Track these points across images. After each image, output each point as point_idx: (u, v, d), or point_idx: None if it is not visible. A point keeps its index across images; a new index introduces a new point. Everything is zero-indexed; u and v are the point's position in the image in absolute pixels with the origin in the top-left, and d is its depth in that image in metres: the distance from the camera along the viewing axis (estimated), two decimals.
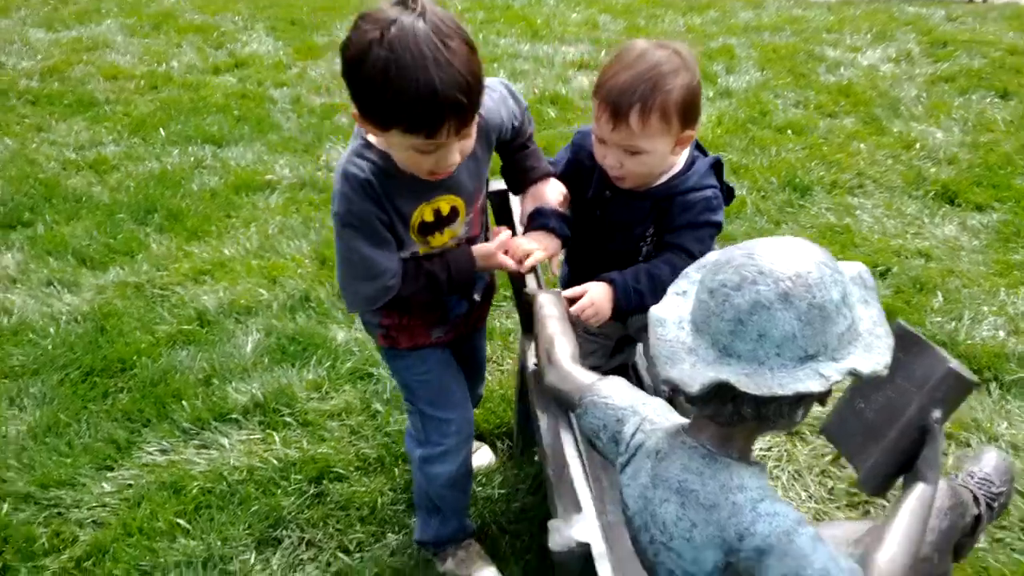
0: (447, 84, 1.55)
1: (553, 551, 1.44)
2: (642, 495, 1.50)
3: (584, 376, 1.67)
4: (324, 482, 2.61)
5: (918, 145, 4.82)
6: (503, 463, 2.70)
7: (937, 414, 1.56)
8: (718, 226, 2.05)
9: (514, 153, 2.07)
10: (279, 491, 2.58)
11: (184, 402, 2.90)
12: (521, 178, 2.08)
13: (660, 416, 1.56)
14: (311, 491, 2.59)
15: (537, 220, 2.02)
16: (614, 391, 1.62)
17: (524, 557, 2.38)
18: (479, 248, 1.98)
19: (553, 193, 2.06)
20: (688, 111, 1.91)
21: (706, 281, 1.38)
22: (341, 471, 2.64)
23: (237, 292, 3.48)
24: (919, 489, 1.55)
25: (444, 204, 1.87)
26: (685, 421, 1.52)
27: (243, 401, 2.91)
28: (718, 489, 1.40)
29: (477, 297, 2.13)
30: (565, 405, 1.69)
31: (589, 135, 2.07)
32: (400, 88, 1.54)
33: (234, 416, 2.86)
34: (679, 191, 2.03)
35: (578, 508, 1.50)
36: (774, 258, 1.31)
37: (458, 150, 1.71)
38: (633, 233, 2.09)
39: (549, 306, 1.84)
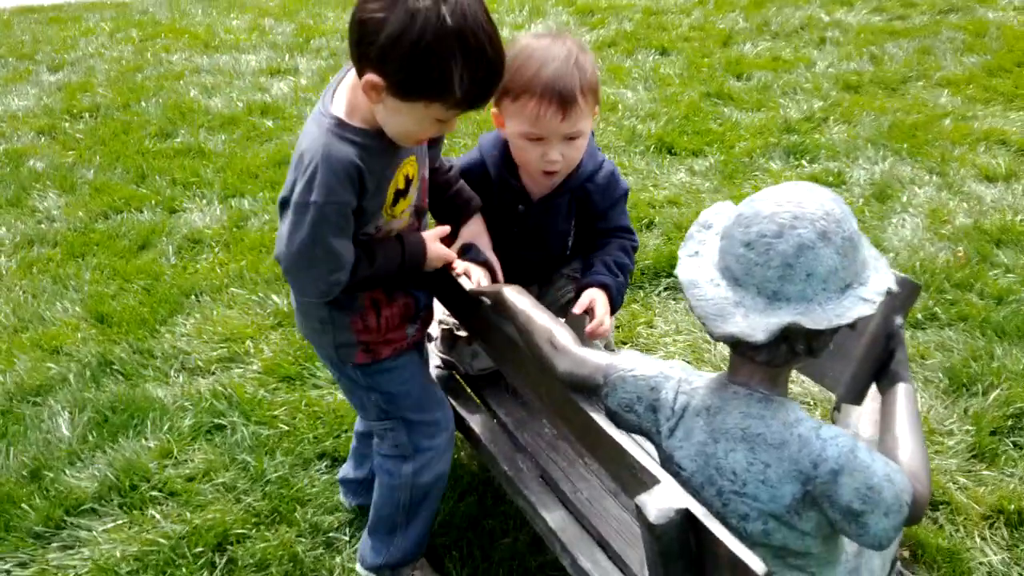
0: (499, 60, 1.62)
1: (655, 524, 1.46)
2: (700, 452, 1.57)
3: (598, 356, 1.70)
4: (229, 547, 2.41)
5: (620, 106, 5.23)
6: None
7: (899, 320, 1.77)
8: (627, 191, 2.16)
9: (446, 184, 2.06)
10: (184, 569, 2.34)
11: (23, 505, 2.52)
12: (456, 212, 2.07)
13: (692, 374, 1.63)
14: (220, 560, 2.37)
15: (470, 253, 2.01)
16: (636, 362, 1.66)
17: (468, 566, 2.35)
18: (436, 249, 1.95)
19: (485, 237, 2.07)
20: (599, 87, 1.99)
21: (736, 236, 1.47)
22: (241, 531, 2.45)
23: (19, 374, 3.06)
24: (903, 388, 1.75)
25: (410, 168, 1.83)
26: (719, 374, 1.61)
27: (91, 487, 2.58)
28: (782, 427, 1.51)
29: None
30: (586, 389, 1.71)
31: (493, 149, 2.07)
32: (463, 62, 1.55)
33: (88, 505, 2.54)
34: (588, 175, 2.10)
35: (654, 479, 1.53)
36: (800, 201, 1.43)
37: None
38: (559, 234, 2.13)
39: (520, 297, 1.83)
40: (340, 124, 1.70)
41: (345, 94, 1.74)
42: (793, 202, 1.43)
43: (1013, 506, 2.36)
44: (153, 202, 4.27)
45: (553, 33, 2.00)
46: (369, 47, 1.57)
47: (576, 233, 2.17)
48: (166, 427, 2.82)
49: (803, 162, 4.45)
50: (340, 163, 1.67)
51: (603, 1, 7.65)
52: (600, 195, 2.11)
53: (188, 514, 2.51)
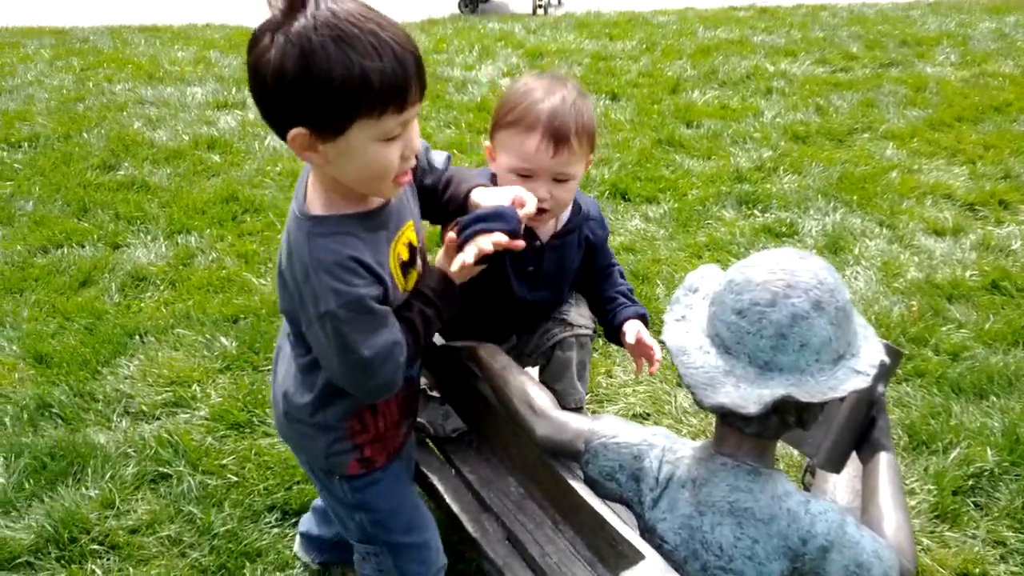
0: (401, 40, 1.40)
1: None
2: (685, 525, 1.53)
3: (578, 421, 1.66)
4: None
5: None
6: None
7: (881, 388, 1.76)
8: None
9: (435, 185, 1.86)
10: None
11: None
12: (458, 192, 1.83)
13: (676, 443, 1.59)
14: None
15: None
16: (618, 428, 1.62)
17: None
18: (442, 263, 1.73)
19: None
20: (595, 135, 1.98)
21: (728, 303, 1.44)
22: None
23: None
24: (885, 457, 1.73)
25: (409, 234, 1.68)
26: (705, 443, 1.57)
27: (27, 539, 2.44)
28: (770, 501, 1.47)
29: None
30: (565, 455, 1.66)
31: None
32: (362, 58, 1.35)
33: (24, 559, 2.40)
34: (583, 213, 2.11)
35: (636, 553, 1.48)
36: (794, 270, 1.41)
37: (418, 133, 1.54)
38: (571, 272, 2.13)
39: (497, 356, 1.78)
40: (315, 221, 1.54)
41: (314, 186, 1.58)
42: (787, 270, 1.41)
43: (978, 569, 2.35)
44: (95, 236, 4.13)
45: (556, 76, 2.00)
46: (270, 99, 1.41)
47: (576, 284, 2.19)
48: (108, 475, 2.69)
49: (755, 211, 4.48)
50: (336, 262, 1.50)
51: (552, 45, 7.71)
52: (599, 230, 2.14)
53: (130, 569, 2.38)
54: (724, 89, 6.48)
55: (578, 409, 2.21)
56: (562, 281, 2.15)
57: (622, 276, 2.23)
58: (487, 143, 2.02)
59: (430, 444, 2.37)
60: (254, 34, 1.41)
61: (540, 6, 9.92)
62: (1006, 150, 5.24)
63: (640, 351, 2.07)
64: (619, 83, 6.59)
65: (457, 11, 10.07)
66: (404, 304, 1.67)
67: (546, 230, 2.07)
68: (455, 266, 1.64)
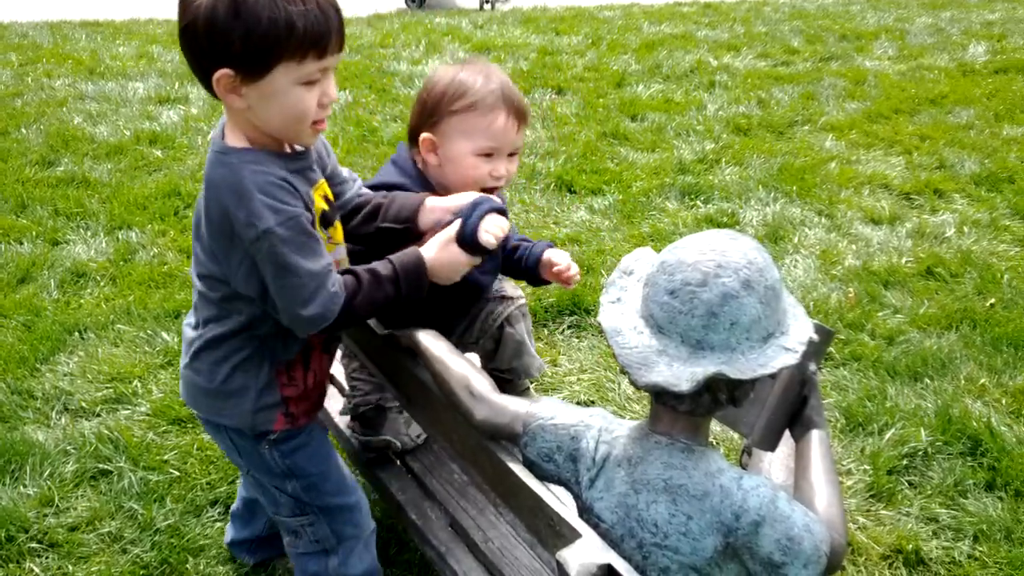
0: None
1: None
2: (621, 503, 1.55)
3: (517, 404, 1.67)
4: None
5: None
6: None
7: (813, 366, 1.80)
8: None
9: (375, 210, 1.89)
10: None
11: None
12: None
13: (613, 423, 1.61)
14: None
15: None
16: (556, 410, 1.64)
17: None
18: (426, 249, 1.75)
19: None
20: None
21: (660, 283, 1.46)
22: None
23: None
24: (817, 435, 1.76)
25: (326, 189, 1.73)
26: (640, 422, 1.59)
27: None
28: (703, 478, 1.50)
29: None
30: (504, 438, 1.67)
31: (412, 171, 2.03)
32: (288, 3, 1.46)
33: None
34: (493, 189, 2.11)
35: (574, 532, 1.50)
36: (724, 250, 1.44)
37: (335, 85, 1.62)
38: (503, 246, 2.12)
39: (436, 341, 1.79)
40: (245, 152, 1.59)
41: (232, 131, 1.62)
42: (717, 250, 1.44)
43: (911, 545, 2.41)
44: (34, 233, 4.06)
45: (478, 60, 2.04)
46: (200, 41, 1.49)
47: None
48: (47, 473, 2.65)
49: (698, 202, 4.53)
50: (270, 182, 1.55)
51: (499, 40, 7.73)
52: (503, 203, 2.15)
53: (70, 567, 2.35)
54: (668, 83, 6.54)
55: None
56: (500, 254, 2.16)
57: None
58: (425, 135, 2.00)
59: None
60: None
61: (487, 1, 9.93)
62: (941, 141, 5.36)
63: (562, 270, 2.05)
64: (565, 77, 6.63)
65: (404, 6, 10.04)
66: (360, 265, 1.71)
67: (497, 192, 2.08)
68: (489, 243, 1.73)
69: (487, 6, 9.91)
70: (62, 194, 4.46)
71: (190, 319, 1.84)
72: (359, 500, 2.00)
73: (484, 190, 1.97)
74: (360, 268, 1.69)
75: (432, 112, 1.99)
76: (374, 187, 2.01)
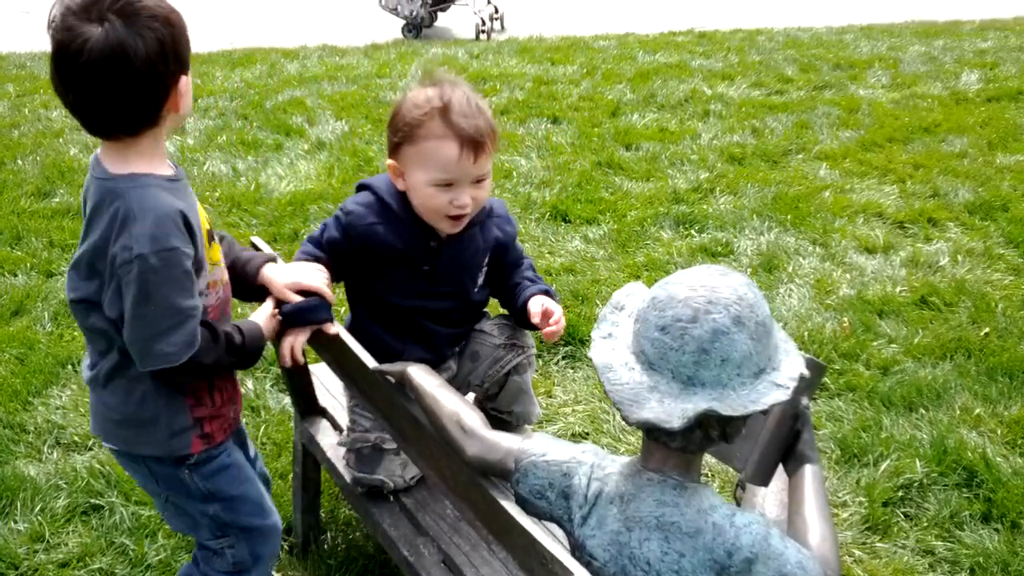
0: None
1: None
2: (614, 541, 1.54)
3: (508, 440, 1.66)
4: None
5: (515, 173, 5.27)
6: (290, 566, 2.51)
7: (805, 400, 1.79)
8: None
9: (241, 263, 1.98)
10: None
11: None
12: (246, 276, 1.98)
13: (605, 459, 1.61)
14: None
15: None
16: (548, 446, 1.63)
17: None
18: (264, 320, 1.91)
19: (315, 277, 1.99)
20: (497, 129, 2.00)
21: (651, 319, 1.46)
22: None
23: None
24: (810, 469, 1.76)
25: (202, 210, 1.79)
26: (632, 459, 1.59)
27: None
28: (696, 515, 1.49)
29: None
30: (496, 474, 1.66)
31: (391, 188, 2.02)
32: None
33: None
34: (488, 211, 2.11)
35: (567, 572, 1.49)
36: (714, 286, 1.44)
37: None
38: (472, 268, 2.11)
39: (427, 376, 1.78)
40: (136, 178, 1.63)
41: (111, 158, 1.66)
42: (707, 287, 1.44)
43: None
44: (28, 265, 4.06)
45: (441, 79, 1.98)
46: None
47: (488, 282, 2.19)
48: (38, 508, 2.63)
49: (692, 232, 4.54)
50: (162, 213, 1.60)
51: (495, 69, 7.77)
52: (506, 226, 2.15)
53: None
54: (663, 112, 6.57)
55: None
56: (466, 277, 2.13)
57: (532, 269, 2.22)
58: (390, 161, 2.00)
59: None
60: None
61: (483, 31, 9.98)
62: (935, 169, 5.38)
63: (543, 318, 2.07)
64: (560, 107, 6.66)
65: (400, 36, 10.09)
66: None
67: (465, 220, 2.04)
68: (285, 355, 1.94)
69: (483, 36, 9.96)
70: (57, 225, 4.46)
71: (85, 361, 1.87)
72: (277, 521, 2.05)
73: (451, 218, 1.98)
74: (217, 326, 1.75)
75: (393, 136, 1.98)
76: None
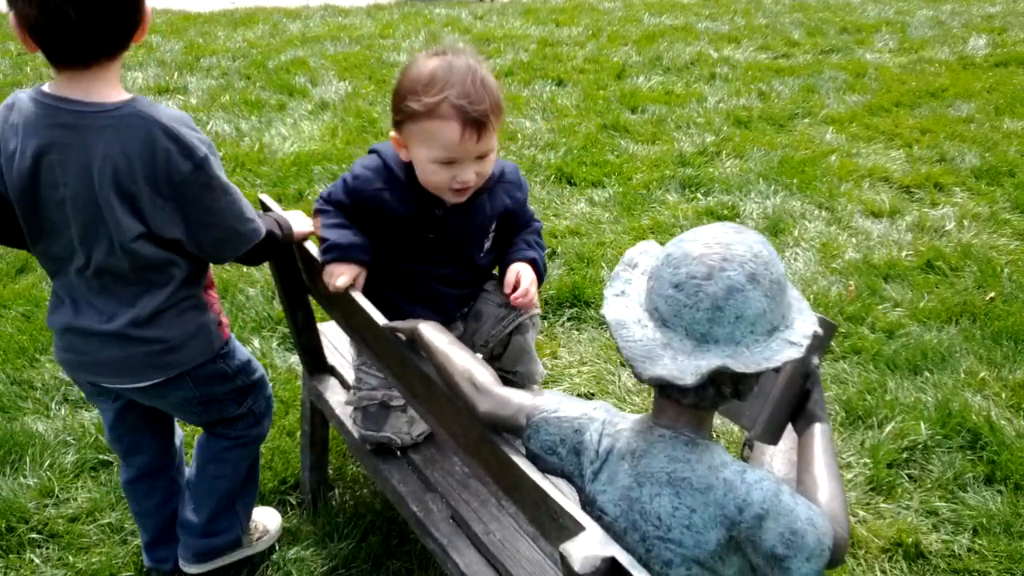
0: None
1: (580, 574, 1.43)
2: (625, 496, 1.55)
3: (520, 396, 1.67)
4: None
5: (519, 136, 5.24)
6: (299, 523, 2.53)
7: (816, 360, 1.80)
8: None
9: None
10: None
11: None
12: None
13: (616, 416, 1.61)
14: None
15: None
16: (560, 403, 1.64)
17: None
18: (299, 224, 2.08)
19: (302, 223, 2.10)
20: (502, 102, 1.96)
21: (665, 277, 1.46)
22: (128, 575, 2.31)
23: None
24: (820, 428, 1.76)
25: None
26: (643, 416, 1.59)
27: None
28: (707, 471, 1.50)
29: None
30: (507, 430, 1.67)
31: (398, 156, 2.01)
32: None
33: None
34: (497, 176, 2.08)
35: (577, 526, 1.50)
36: (729, 243, 1.43)
37: None
38: (478, 233, 2.09)
39: (438, 334, 1.78)
40: (137, 98, 1.71)
41: (87, 84, 1.68)
42: (722, 244, 1.43)
43: (911, 539, 2.42)
44: None
45: (448, 50, 1.93)
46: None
47: (496, 241, 2.17)
48: (47, 464, 2.65)
49: (698, 195, 4.53)
50: (186, 119, 1.73)
51: (499, 31, 7.71)
52: (516, 192, 2.12)
53: (71, 557, 2.36)
54: (668, 75, 6.53)
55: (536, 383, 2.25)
56: (472, 242, 2.12)
57: (537, 234, 2.19)
58: (393, 134, 1.97)
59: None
60: None
61: None
62: (941, 134, 5.36)
63: (512, 288, 2.07)
64: (565, 69, 6.62)
65: None
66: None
67: (470, 192, 2.01)
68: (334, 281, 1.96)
69: None
70: None
71: (97, 314, 1.87)
72: (263, 370, 2.26)
73: (455, 190, 1.96)
74: (266, 216, 1.97)
75: (395, 111, 1.94)
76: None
